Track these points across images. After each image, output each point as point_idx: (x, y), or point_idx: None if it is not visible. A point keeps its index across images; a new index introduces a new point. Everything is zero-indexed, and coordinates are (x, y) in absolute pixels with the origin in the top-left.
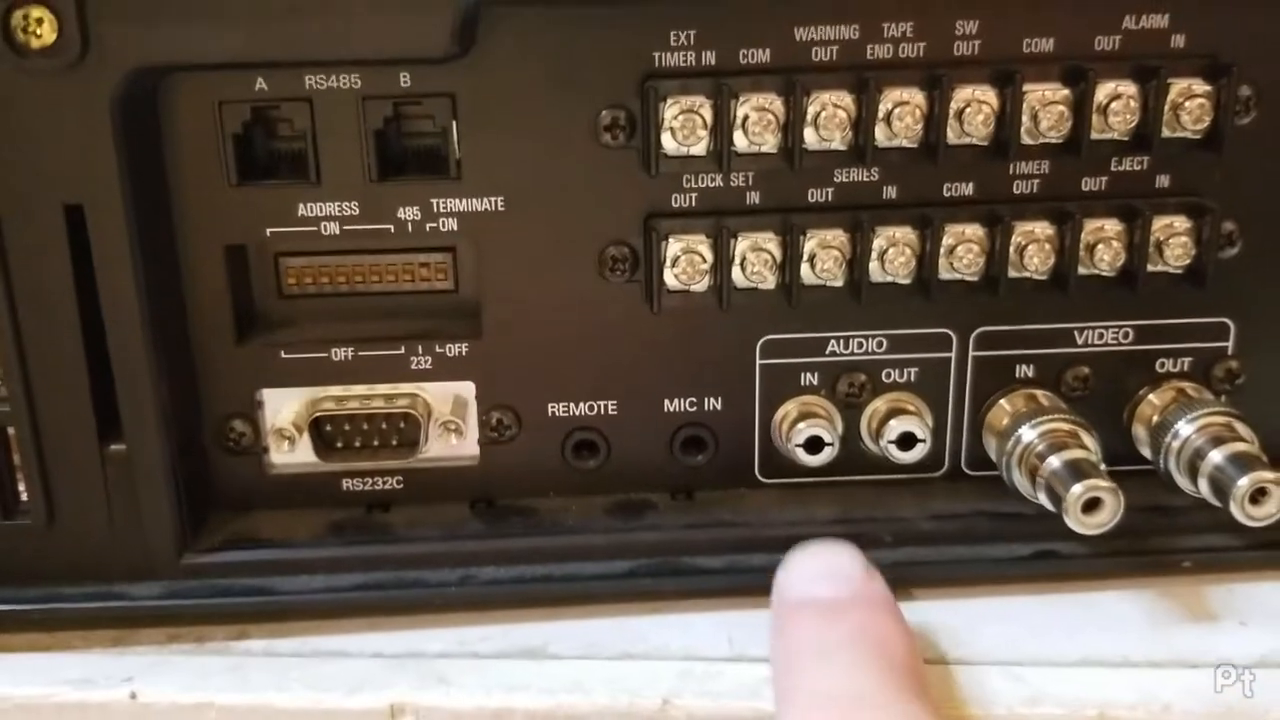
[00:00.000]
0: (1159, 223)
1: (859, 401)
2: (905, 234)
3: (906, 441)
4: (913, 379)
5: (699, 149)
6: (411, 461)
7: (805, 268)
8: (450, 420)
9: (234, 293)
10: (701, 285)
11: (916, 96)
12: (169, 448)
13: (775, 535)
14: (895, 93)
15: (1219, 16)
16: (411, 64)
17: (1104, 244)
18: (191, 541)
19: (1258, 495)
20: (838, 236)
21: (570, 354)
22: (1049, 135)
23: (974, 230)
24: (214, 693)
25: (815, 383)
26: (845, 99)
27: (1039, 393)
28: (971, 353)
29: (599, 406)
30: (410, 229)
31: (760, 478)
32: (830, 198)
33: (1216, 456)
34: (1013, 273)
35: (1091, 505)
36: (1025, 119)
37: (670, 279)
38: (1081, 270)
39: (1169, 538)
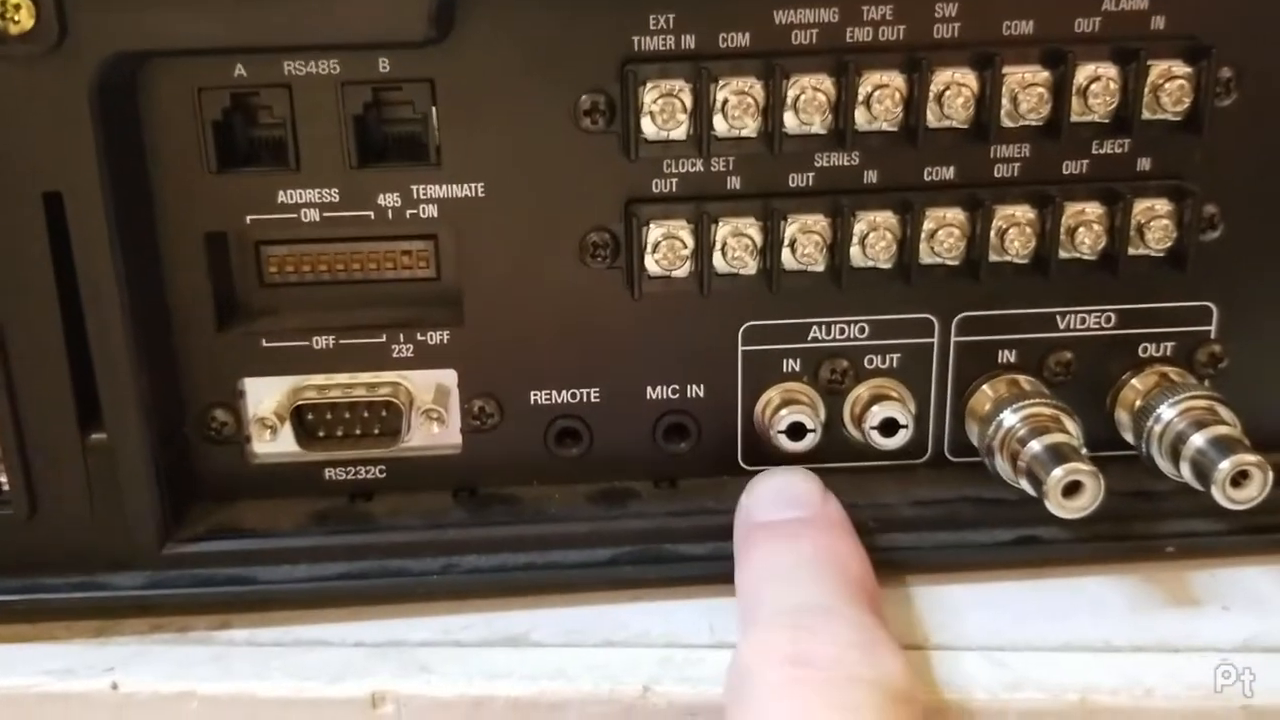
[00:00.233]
0: (1140, 206)
1: (841, 388)
2: (886, 218)
3: (889, 428)
4: (895, 365)
5: (679, 133)
6: (394, 450)
7: (786, 253)
8: (432, 409)
9: (215, 281)
10: (683, 271)
11: (896, 80)
12: (150, 437)
13: None
14: (875, 76)
15: None
16: (389, 49)
17: (1085, 227)
18: (173, 531)
19: (1239, 478)
20: (818, 221)
21: (552, 341)
22: (1029, 118)
23: (955, 214)
24: (196, 682)
25: (797, 369)
26: (825, 82)
27: (1021, 378)
28: (953, 338)
29: (581, 394)
30: (390, 216)
31: (743, 465)
32: (811, 182)
33: (1198, 440)
34: (994, 257)
35: (1072, 489)
36: (1005, 102)
37: (651, 265)
38: (1062, 254)
39: (1152, 523)
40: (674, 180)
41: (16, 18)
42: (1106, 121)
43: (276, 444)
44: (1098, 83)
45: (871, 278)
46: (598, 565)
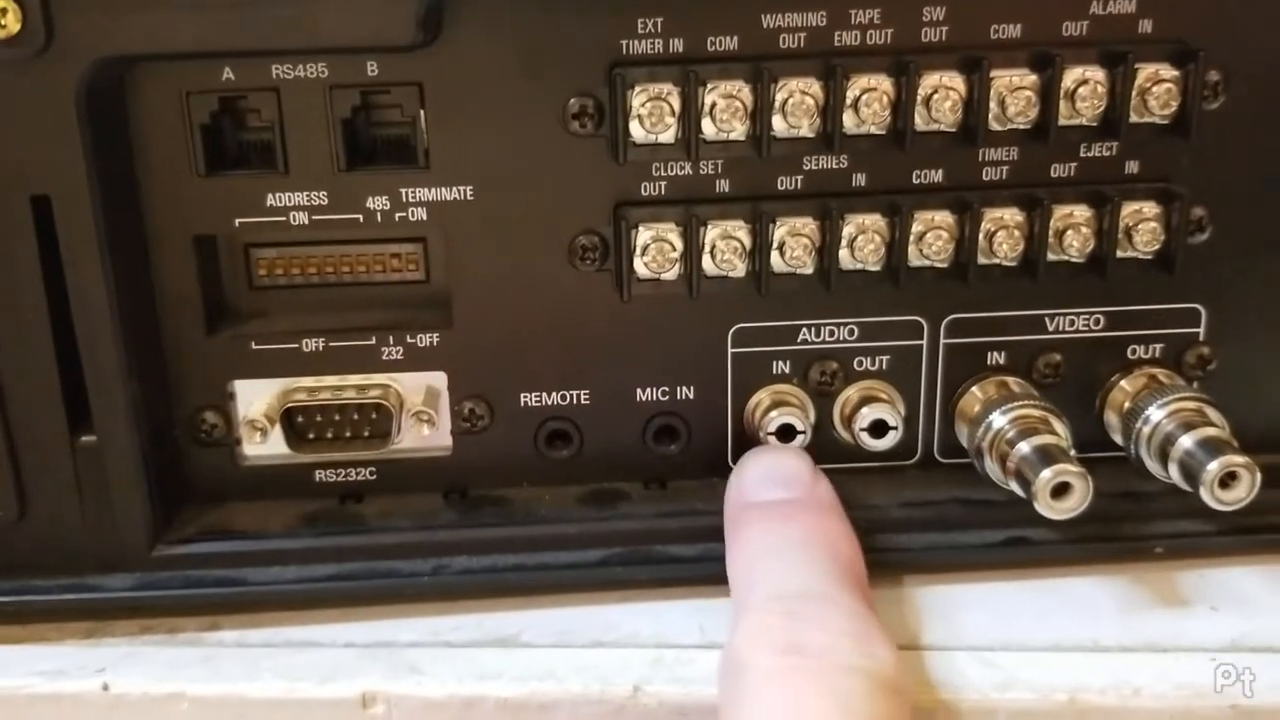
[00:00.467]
0: (1128, 209)
1: (831, 390)
2: (874, 221)
3: (878, 429)
4: (884, 367)
5: (667, 137)
6: (384, 452)
7: (775, 256)
8: (422, 411)
9: (204, 284)
10: (672, 274)
11: (884, 83)
12: (140, 439)
13: None
14: (863, 79)
15: (1186, 2)
16: (378, 52)
17: (1073, 230)
18: (163, 533)
19: (1227, 479)
20: (807, 224)
21: (542, 344)
22: (1017, 121)
23: (943, 217)
24: (186, 683)
25: (787, 371)
26: (813, 86)
27: (1010, 380)
28: (943, 340)
29: (571, 396)
30: (379, 219)
31: (733, 466)
32: (799, 185)
33: (1187, 441)
34: (982, 259)
35: (1061, 490)
36: (993, 105)
37: (640, 268)
38: (1051, 256)
39: (1141, 524)
40: (663, 183)
41: (3, 22)
42: (1094, 125)
43: (266, 446)
44: (1085, 86)
45: (860, 280)
46: (588, 566)
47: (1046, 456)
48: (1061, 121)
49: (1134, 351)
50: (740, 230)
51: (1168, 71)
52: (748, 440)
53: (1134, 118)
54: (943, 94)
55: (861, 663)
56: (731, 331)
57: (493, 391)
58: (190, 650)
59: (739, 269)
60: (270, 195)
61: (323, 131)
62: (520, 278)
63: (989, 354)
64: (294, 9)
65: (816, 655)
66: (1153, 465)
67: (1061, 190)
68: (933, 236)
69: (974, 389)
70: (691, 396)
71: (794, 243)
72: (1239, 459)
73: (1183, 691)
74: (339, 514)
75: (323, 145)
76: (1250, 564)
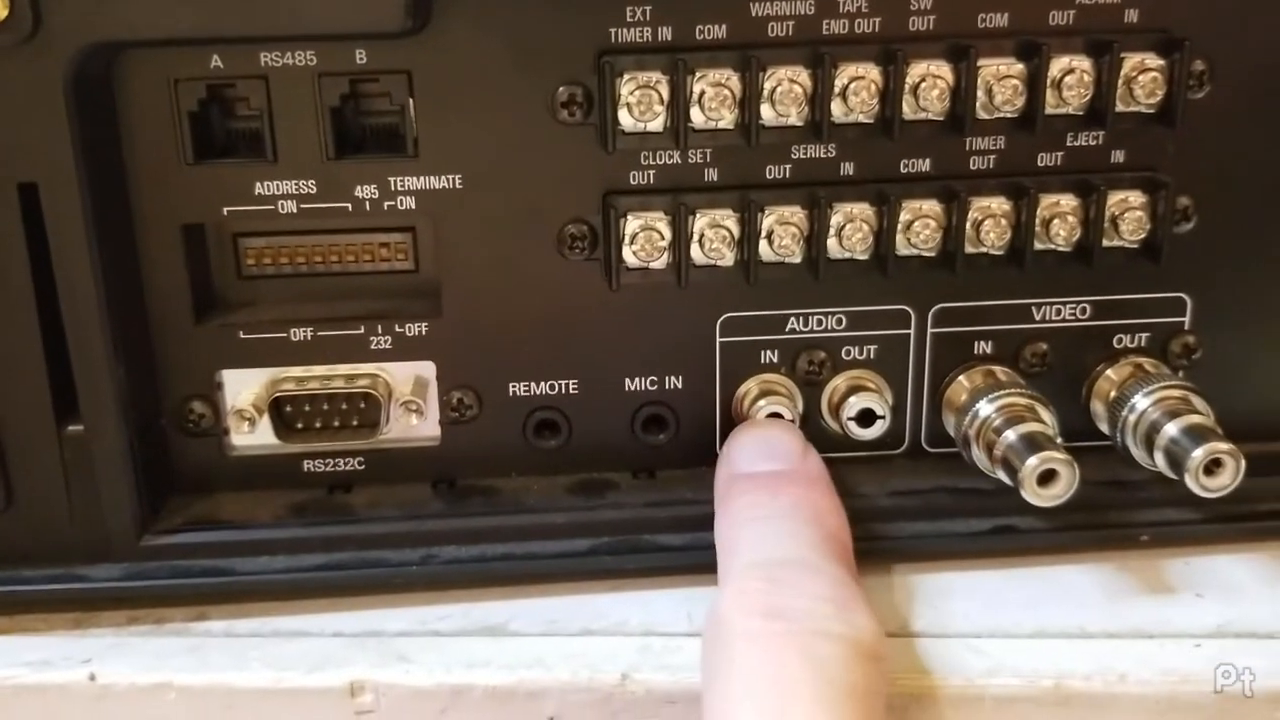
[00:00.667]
0: (1114, 198)
1: (819, 379)
2: (863, 210)
3: (866, 418)
4: (872, 356)
5: (656, 125)
6: (373, 442)
7: (763, 244)
8: (411, 400)
9: (192, 272)
10: (660, 263)
11: (872, 72)
12: (127, 429)
13: None
14: (851, 68)
15: None
16: (366, 40)
17: (1059, 219)
18: (151, 523)
19: (1212, 466)
20: (795, 213)
21: (531, 333)
22: (1004, 110)
23: (931, 206)
24: (173, 673)
25: (775, 360)
26: (802, 75)
27: (997, 369)
28: (930, 329)
29: (560, 386)
30: (368, 207)
31: None
32: (788, 174)
33: (1172, 429)
34: (969, 248)
35: (1047, 477)
36: (980, 94)
37: (629, 256)
38: (1038, 245)
39: (1127, 512)
40: (651, 172)
41: None
42: (1081, 114)
43: (254, 436)
44: (1071, 75)
45: (848, 269)
46: (576, 556)
47: (1033, 444)
48: (1048, 110)
49: (1120, 340)
50: (729, 219)
51: (1153, 61)
52: (736, 427)
53: (1120, 107)
54: (930, 83)
55: (841, 629)
56: (720, 321)
57: (481, 381)
58: (177, 640)
59: (727, 258)
60: (258, 184)
61: (311, 120)
62: (509, 267)
63: (976, 343)
64: None
65: (796, 620)
66: (1138, 453)
67: (1048, 179)
68: (920, 225)
69: (961, 378)
70: (680, 386)
71: (782, 231)
72: (1223, 446)
73: (1168, 677)
74: (327, 504)
75: (311, 134)
76: (1235, 551)
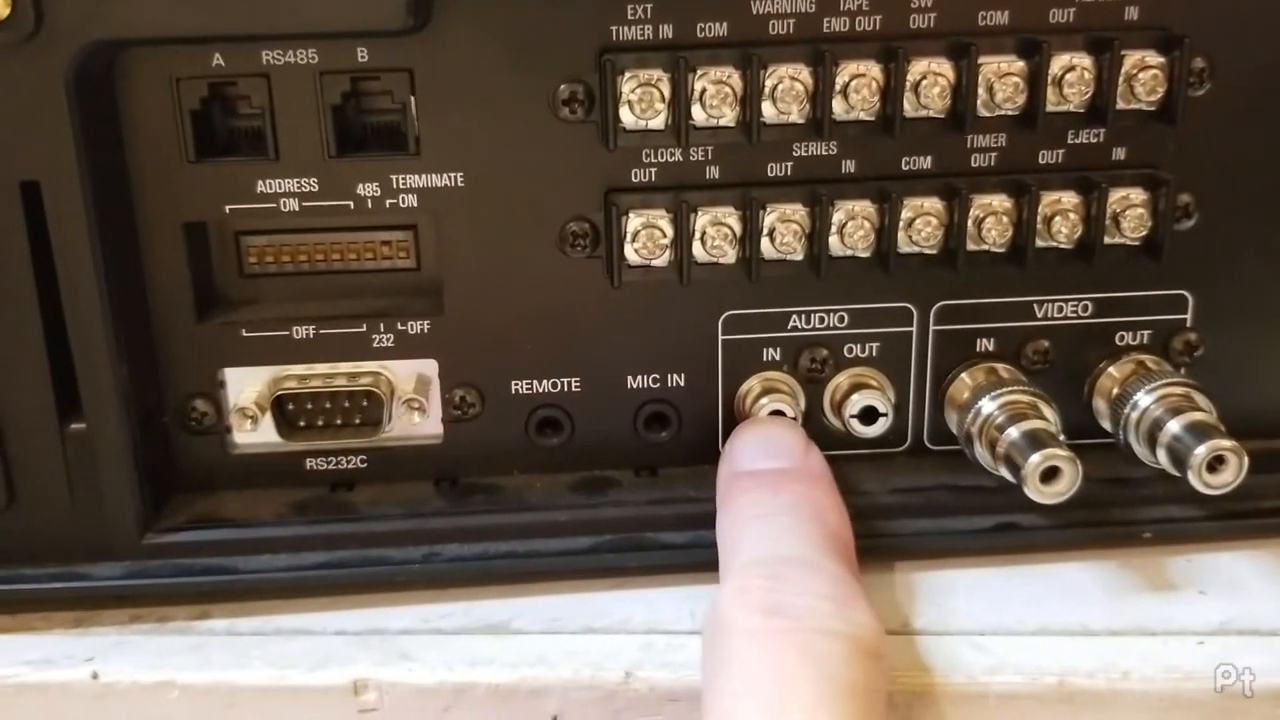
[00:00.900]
0: (1115, 195)
1: (821, 376)
2: (864, 207)
3: (868, 416)
4: (874, 353)
5: (657, 123)
6: (375, 440)
7: (765, 242)
8: (413, 398)
9: (194, 270)
10: (662, 260)
11: (873, 70)
12: (130, 427)
13: None
14: (852, 66)
15: None
16: (368, 38)
17: (1061, 216)
18: (153, 521)
19: (1215, 463)
20: (797, 210)
21: (532, 331)
22: (1005, 108)
23: (932, 203)
24: (175, 672)
25: (777, 358)
26: (802, 72)
27: (999, 366)
28: (932, 327)
29: (562, 384)
30: (370, 205)
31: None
32: (789, 171)
33: (1174, 426)
34: (971, 246)
35: (1050, 474)
36: (981, 91)
37: (631, 254)
38: (1039, 243)
39: (1129, 509)
40: (653, 170)
41: None
42: (1081, 111)
43: (257, 434)
44: (1072, 73)
45: (850, 267)
46: (578, 553)
47: (1035, 441)
48: (1049, 108)
49: (1122, 338)
50: (730, 217)
51: (1154, 58)
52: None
53: (1121, 104)
54: (931, 80)
55: (841, 627)
56: (722, 318)
57: (483, 379)
58: (180, 639)
59: (729, 255)
60: (260, 182)
61: (313, 118)
62: (511, 265)
63: (978, 340)
64: None
65: (797, 618)
66: (1141, 451)
67: (1049, 177)
68: (922, 223)
69: (963, 375)
70: (682, 384)
71: (784, 229)
72: (1226, 443)
73: (1171, 675)
74: (329, 502)
75: (313, 132)
76: (1238, 548)
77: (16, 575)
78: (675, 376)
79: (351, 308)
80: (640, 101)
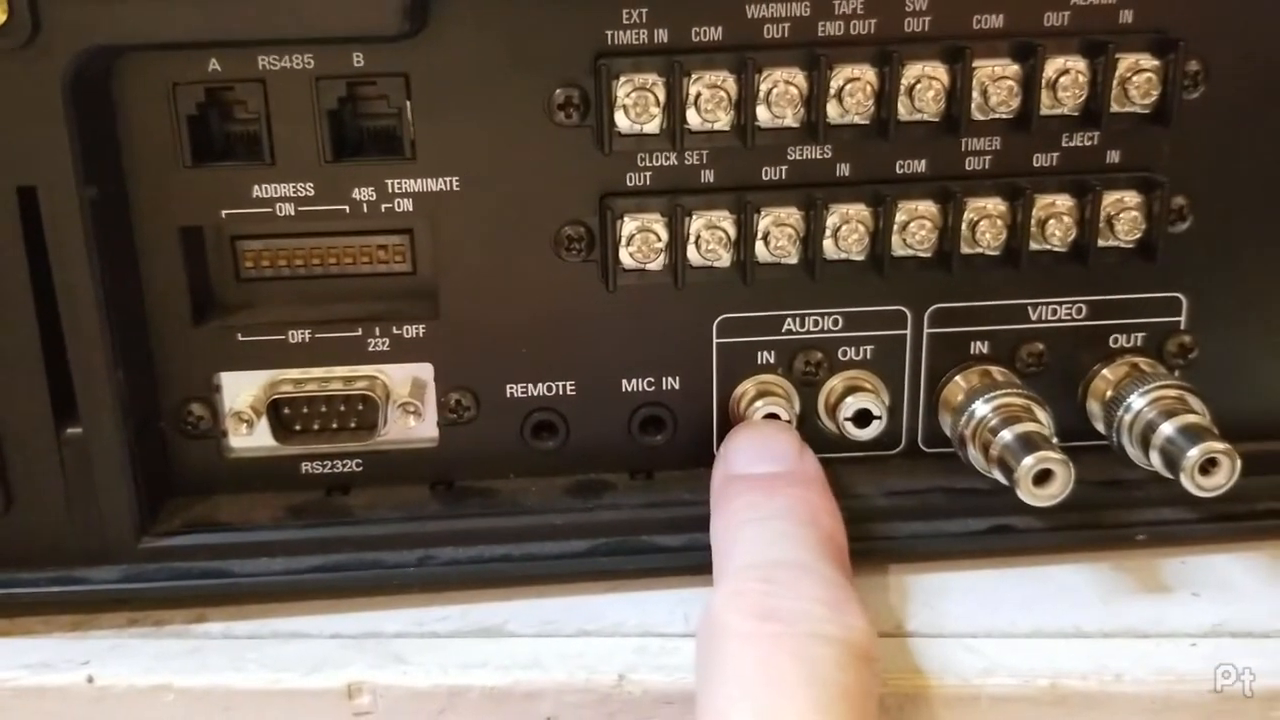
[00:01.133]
0: (1109, 198)
1: (816, 379)
2: (858, 211)
3: (862, 419)
4: (869, 356)
5: (652, 127)
6: (370, 444)
7: (760, 245)
8: (409, 402)
9: (190, 275)
10: (657, 264)
11: (868, 73)
12: (126, 431)
13: None
14: (847, 69)
15: None
16: (364, 43)
17: (1055, 219)
18: (149, 525)
19: (1208, 466)
20: (792, 214)
21: (527, 335)
22: (999, 111)
23: (926, 206)
24: (172, 675)
25: (772, 361)
26: (797, 76)
27: (993, 369)
28: (926, 329)
29: (557, 387)
30: (366, 210)
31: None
32: (784, 175)
33: (1168, 429)
34: (965, 249)
35: (1043, 477)
36: (975, 95)
37: (626, 258)
38: (1033, 246)
39: (1123, 511)
40: (648, 174)
41: None
42: (1076, 114)
43: (253, 438)
44: (1066, 76)
45: (844, 270)
46: (573, 557)
47: (1029, 444)
48: (1043, 111)
49: (1116, 340)
50: (725, 220)
51: (1148, 61)
52: (733, 428)
53: (1115, 107)
54: (925, 84)
55: (834, 631)
56: (717, 322)
57: (479, 383)
58: (176, 642)
59: (724, 259)
60: (256, 186)
61: (309, 123)
62: (506, 269)
63: (972, 343)
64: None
65: (791, 621)
66: (1134, 453)
67: (1044, 180)
68: (916, 226)
69: (957, 378)
70: (677, 387)
71: (778, 233)
72: (1219, 446)
73: (1164, 677)
74: (325, 505)
75: (309, 136)
76: (1232, 550)
77: (13, 579)
78: (670, 379)
79: (347, 312)
80: (635, 106)
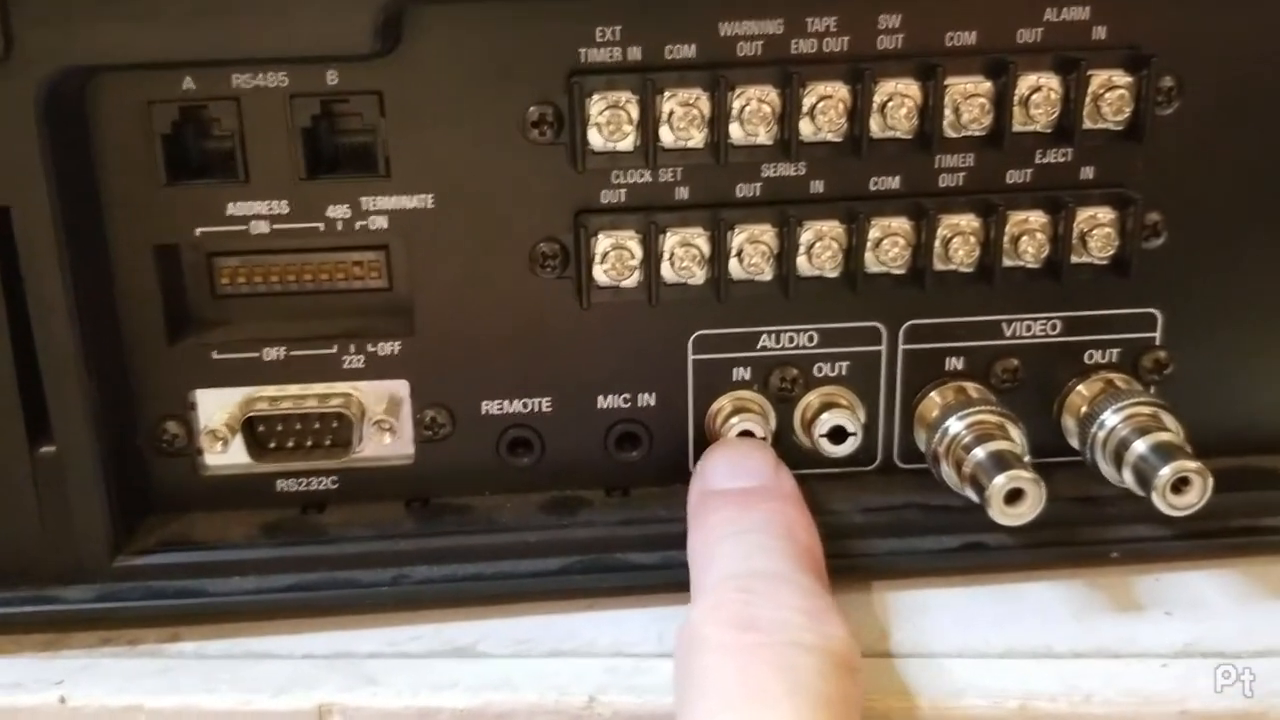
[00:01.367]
0: (1083, 214)
1: (791, 395)
2: (832, 228)
3: (837, 435)
4: (844, 372)
5: (625, 145)
6: (346, 461)
7: (734, 263)
8: (384, 419)
9: (165, 293)
10: (631, 281)
11: (840, 91)
12: (100, 450)
13: None
14: (820, 87)
15: (1140, 8)
16: (337, 62)
17: (1028, 236)
18: (124, 544)
19: (1180, 485)
20: (765, 231)
21: (503, 351)
22: (971, 129)
23: (900, 223)
24: (143, 695)
25: (747, 377)
26: (770, 94)
27: (969, 385)
28: (901, 346)
29: (533, 404)
30: (340, 227)
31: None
32: (758, 193)
33: (1141, 446)
34: (939, 265)
35: (1014, 496)
36: (948, 112)
37: (600, 275)
38: (1007, 262)
39: (1098, 528)
40: (622, 191)
41: None
42: (1049, 131)
43: (228, 456)
44: (1039, 93)
45: (819, 286)
46: (548, 574)
47: (1001, 462)
48: (1016, 128)
49: (1091, 356)
50: (699, 238)
51: (1121, 78)
52: (709, 446)
53: (1088, 124)
54: (898, 101)
55: (814, 640)
56: (692, 338)
57: (454, 400)
58: (149, 661)
59: (698, 276)
60: (231, 204)
61: (283, 140)
62: (481, 286)
63: (947, 359)
64: (252, 19)
65: (769, 631)
66: (1108, 470)
67: (1017, 196)
68: (889, 243)
69: (933, 394)
70: (653, 403)
71: (752, 250)
72: (1191, 464)
73: (1132, 698)
74: (300, 524)
75: (283, 154)
76: (1207, 567)
77: None
78: (646, 396)
79: (323, 328)
80: (609, 123)
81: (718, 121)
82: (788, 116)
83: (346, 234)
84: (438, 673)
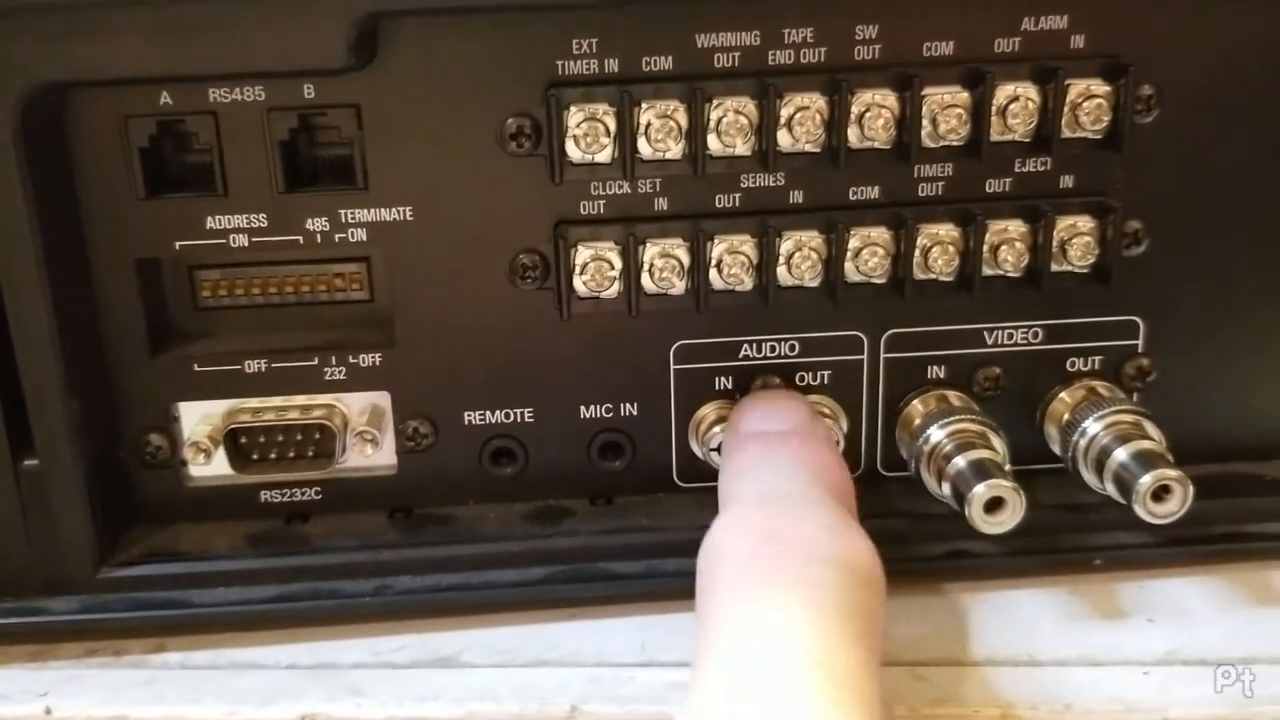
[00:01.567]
0: (1063, 223)
1: None
2: (811, 238)
3: None
4: (826, 381)
5: (604, 156)
6: (329, 472)
7: (713, 273)
8: (366, 430)
9: (147, 306)
10: (611, 292)
11: (818, 101)
12: (84, 462)
13: (693, 539)
14: (797, 98)
15: (1119, 17)
16: (313, 76)
17: (1008, 245)
18: (109, 555)
19: (1160, 493)
20: (745, 242)
21: (485, 362)
22: (949, 138)
23: (879, 233)
24: (129, 706)
25: (730, 387)
26: (748, 105)
27: (951, 393)
28: (883, 354)
29: (515, 414)
30: (319, 240)
31: (678, 482)
32: (737, 203)
33: (1122, 454)
34: (919, 274)
35: (994, 505)
36: (926, 123)
37: (580, 286)
38: (987, 271)
39: (1081, 535)
40: (601, 202)
41: None
42: (1027, 140)
43: (211, 467)
44: (1016, 103)
45: (799, 296)
46: (531, 584)
47: (981, 471)
48: (994, 137)
49: (1073, 364)
50: (679, 248)
51: (1099, 87)
52: (693, 455)
53: (1066, 133)
54: (875, 112)
55: (836, 553)
56: (673, 348)
57: (436, 410)
58: (134, 672)
59: (678, 287)
60: (210, 218)
61: (261, 154)
62: (462, 297)
63: (929, 368)
64: (227, 35)
65: (793, 543)
66: (1090, 478)
67: (996, 205)
68: (869, 253)
69: (915, 402)
70: (635, 413)
71: (731, 260)
72: (1172, 473)
73: (1114, 706)
74: (284, 534)
75: (262, 167)
76: (1190, 575)
77: None
78: (628, 406)
79: (305, 340)
80: (586, 135)
81: (695, 133)
82: (765, 128)
83: (326, 246)
84: (421, 683)
